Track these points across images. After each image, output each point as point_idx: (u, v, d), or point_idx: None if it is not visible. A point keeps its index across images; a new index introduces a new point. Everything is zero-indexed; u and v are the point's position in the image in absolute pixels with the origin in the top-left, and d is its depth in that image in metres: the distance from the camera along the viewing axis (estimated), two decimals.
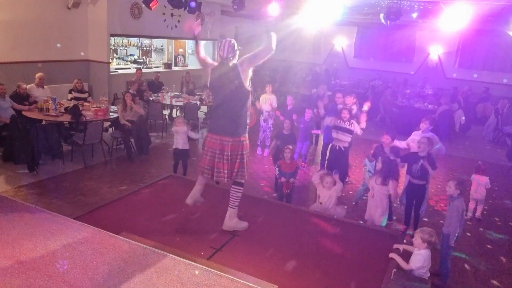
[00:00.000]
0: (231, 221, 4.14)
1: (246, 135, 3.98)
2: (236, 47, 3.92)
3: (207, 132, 4.02)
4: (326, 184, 5.08)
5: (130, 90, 8.70)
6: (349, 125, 6.09)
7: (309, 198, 6.42)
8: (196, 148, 8.14)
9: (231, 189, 4.09)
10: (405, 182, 5.56)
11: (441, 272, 4.38)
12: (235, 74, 3.73)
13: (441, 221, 5.93)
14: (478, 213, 6.11)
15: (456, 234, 4.24)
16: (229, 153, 3.84)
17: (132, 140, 7.70)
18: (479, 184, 5.97)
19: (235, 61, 3.85)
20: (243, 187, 4.11)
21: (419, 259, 3.62)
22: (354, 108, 6.94)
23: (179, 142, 6.31)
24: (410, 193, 5.31)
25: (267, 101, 8.29)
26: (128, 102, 7.65)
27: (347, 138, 6.11)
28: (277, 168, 5.69)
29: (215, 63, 3.99)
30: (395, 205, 6.22)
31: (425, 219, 5.89)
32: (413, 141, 5.84)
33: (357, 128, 6.13)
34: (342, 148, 6.11)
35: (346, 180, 6.88)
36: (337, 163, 6.18)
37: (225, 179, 3.92)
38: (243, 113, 3.90)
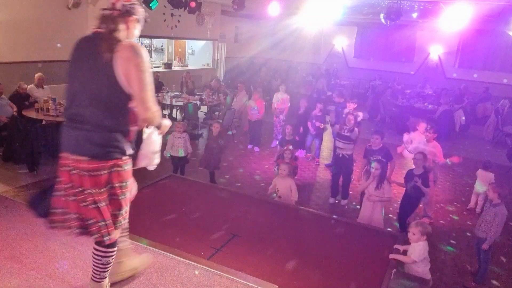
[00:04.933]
0: None
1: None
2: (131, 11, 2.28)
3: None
4: (283, 172, 5.12)
5: None
6: (349, 132, 6.05)
7: (310, 198, 6.42)
8: (196, 147, 8.14)
9: (94, 251, 2.39)
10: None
11: (479, 274, 4.47)
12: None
13: (442, 221, 5.96)
14: (478, 208, 6.30)
15: (494, 239, 4.29)
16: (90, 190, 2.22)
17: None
18: (484, 179, 6.12)
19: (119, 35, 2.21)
20: (116, 247, 2.42)
21: (419, 250, 3.64)
22: (360, 115, 6.95)
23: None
24: (404, 203, 5.35)
25: (280, 99, 8.99)
26: None
27: (349, 146, 6.11)
28: (276, 168, 5.71)
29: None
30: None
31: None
32: (418, 142, 5.87)
33: (356, 134, 6.10)
34: (346, 156, 6.12)
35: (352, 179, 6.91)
36: (342, 170, 6.24)
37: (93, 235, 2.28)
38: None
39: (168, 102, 9.63)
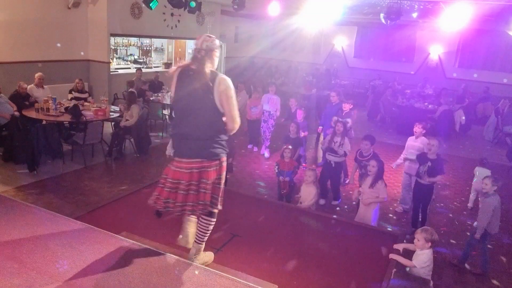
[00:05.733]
0: (197, 259, 3.29)
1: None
2: (213, 46, 3.05)
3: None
4: (308, 178, 5.19)
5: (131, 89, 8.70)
6: (339, 145, 5.94)
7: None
8: None
9: (201, 220, 3.24)
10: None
11: (481, 263, 4.63)
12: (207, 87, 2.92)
13: (442, 221, 5.96)
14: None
15: (484, 228, 4.39)
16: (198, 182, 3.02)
17: (132, 140, 7.70)
18: (481, 176, 6.09)
19: (211, 67, 3.01)
20: (215, 219, 3.25)
21: (423, 258, 3.62)
22: (349, 121, 6.81)
23: None
24: (417, 194, 5.29)
25: (269, 100, 8.27)
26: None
27: (340, 158, 6.06)
28: (276, 167, 5.71)
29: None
30: (394, 206, 6.24)
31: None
32: (410, 147, 5.83)
33: (346, 147, 5.98)
34: (333, 164, 6.07)
35: (344, 182, 6.87)
36: (331, 174, 6.18)
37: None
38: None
39: (168, 102, 9.61)
